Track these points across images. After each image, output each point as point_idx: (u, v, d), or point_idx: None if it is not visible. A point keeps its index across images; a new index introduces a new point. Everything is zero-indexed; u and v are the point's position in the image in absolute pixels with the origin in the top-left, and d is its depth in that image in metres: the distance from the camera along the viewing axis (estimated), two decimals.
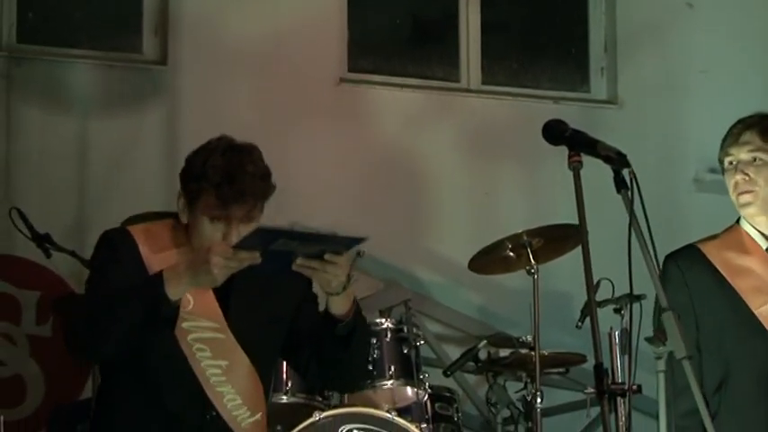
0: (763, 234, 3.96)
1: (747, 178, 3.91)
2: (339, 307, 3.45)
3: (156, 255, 3.54)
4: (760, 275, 3.95)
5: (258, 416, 3.66)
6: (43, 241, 5.25)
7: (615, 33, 7.15)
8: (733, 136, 3.97)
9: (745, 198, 3.91)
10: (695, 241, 4.04)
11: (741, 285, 3.92)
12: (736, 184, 3.95)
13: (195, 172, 3.53)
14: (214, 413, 3.57)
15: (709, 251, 3.97)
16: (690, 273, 3.89)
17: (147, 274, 3.46)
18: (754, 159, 3.91)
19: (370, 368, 5.23)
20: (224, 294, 3.50)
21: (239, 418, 3.60)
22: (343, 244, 3.33)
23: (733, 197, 3.99)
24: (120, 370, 3.64)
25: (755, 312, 3.88)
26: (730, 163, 3.96)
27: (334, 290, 3.38)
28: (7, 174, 6.09)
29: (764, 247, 3.97)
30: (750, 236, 3.98)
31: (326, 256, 3.26)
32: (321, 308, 3.60)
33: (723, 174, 4.06)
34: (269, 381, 3.86)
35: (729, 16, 7.19)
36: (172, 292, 3.31)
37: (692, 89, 7.12)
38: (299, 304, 3.66)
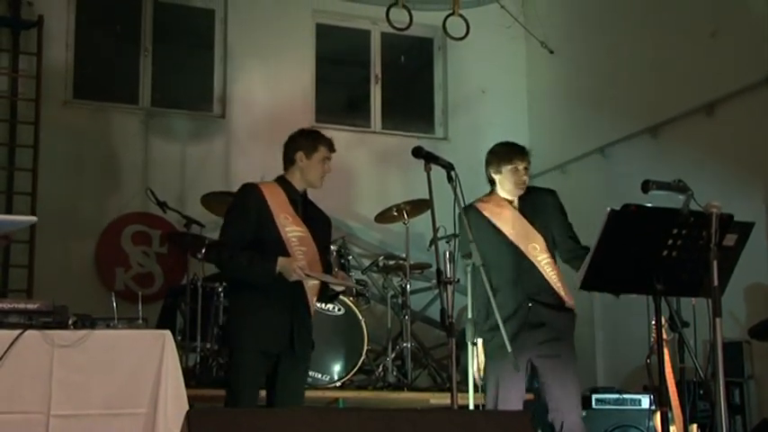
0: (507, 199, 4.80)
1: (526, 178, 4.82)
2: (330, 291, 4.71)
3: (274, 200, 4.45)
4: (508, 218, 4.82)
5: (317, 282, 4.57)
6: (162, 205, 6.84)
7: (447, 105, 9.18)
8: (516, 153, 4.75)
9: (523, 187, 4.82)
10: (472, 201, 4.77)
11: (498, 223, 4.76)
12: (522, 179, 4.73)
13: (311, 138, 4.54)
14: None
15: (480, 206, 4.85)
16: (469, 216, 4.48)
17: (270, 213, 4.40)
18: (527, 168, 4.79)
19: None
20: (306, 223, 4.50)
21: (309, 281, 4.50)
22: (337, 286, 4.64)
23: (514, 184, 4.74)
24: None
25: (506, 235, 4.65)
26: (516, 168, 4.75)
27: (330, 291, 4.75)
28: (146, 172, 8.07)
29: (514, 204, 4.76)
30: (503, 197, 4.86)
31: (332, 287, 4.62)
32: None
33: (501, 173, 4.72)
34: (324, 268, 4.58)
35: (513, 101, 9.07)
36: (275, 269, 4.37)
37: (483, 135, 8.29)
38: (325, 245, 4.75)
